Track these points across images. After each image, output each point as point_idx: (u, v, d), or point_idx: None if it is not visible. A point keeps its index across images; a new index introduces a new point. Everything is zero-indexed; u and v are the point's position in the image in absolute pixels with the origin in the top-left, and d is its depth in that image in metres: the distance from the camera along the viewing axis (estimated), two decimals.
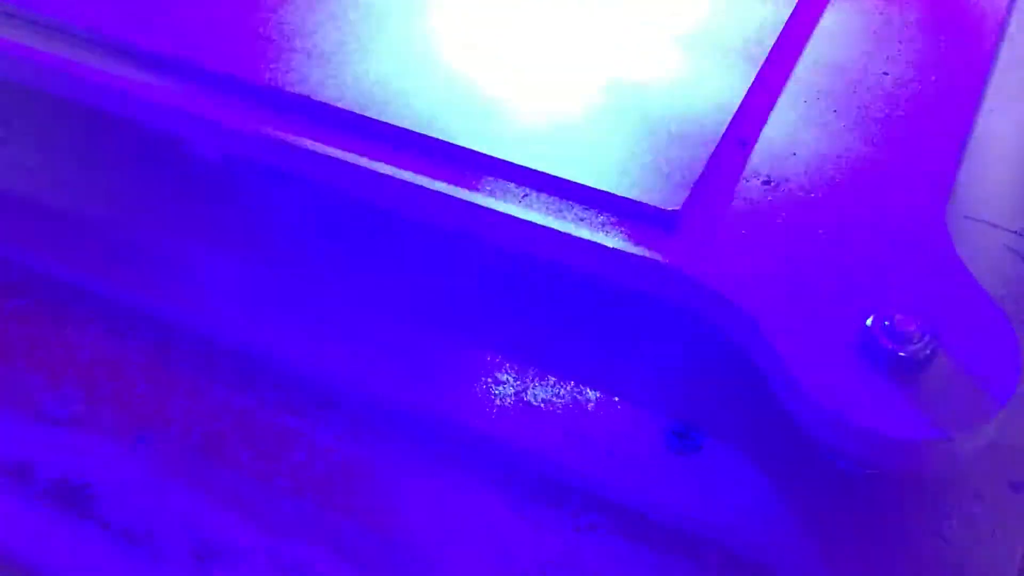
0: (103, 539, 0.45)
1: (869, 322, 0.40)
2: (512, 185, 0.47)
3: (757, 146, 0.49)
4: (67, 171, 0.59)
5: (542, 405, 0.48)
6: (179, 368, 0.51)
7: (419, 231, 0.53)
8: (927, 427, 0.39)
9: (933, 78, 0.52)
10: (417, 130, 0.48)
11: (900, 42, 0.54)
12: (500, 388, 0.48)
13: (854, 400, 0.39)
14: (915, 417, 0.39)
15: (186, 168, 0.57)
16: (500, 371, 0.49)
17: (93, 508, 0.46)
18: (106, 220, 0.56)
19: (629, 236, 0.45)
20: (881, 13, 0.56)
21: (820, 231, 0.45)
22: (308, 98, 0.50)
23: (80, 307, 0.54)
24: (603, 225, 0.45)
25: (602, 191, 0.45)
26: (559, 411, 0.47)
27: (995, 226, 0.52)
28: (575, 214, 0.45)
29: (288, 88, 0.50)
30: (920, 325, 0.40)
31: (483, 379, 0.49)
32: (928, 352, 0.39)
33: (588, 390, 0.48)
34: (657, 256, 0.44)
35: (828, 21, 0.56)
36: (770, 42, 0.52)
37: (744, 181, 0.47)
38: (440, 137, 0.48)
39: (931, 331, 0.40)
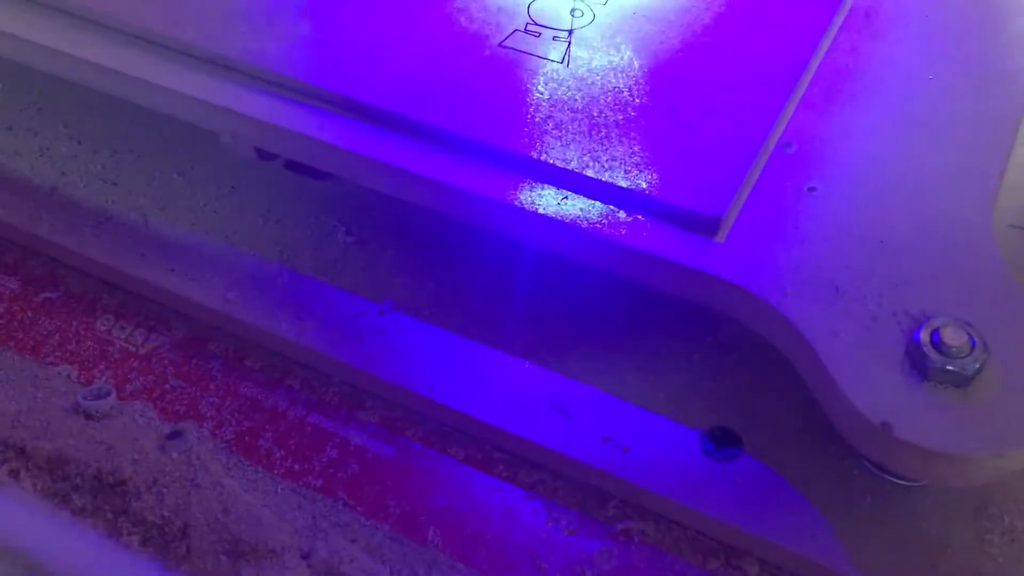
0: (136, 536, 0.45)
1: (917, 334, 0.40)
2: (551, 188, 0.46)
3: (802, 151, 0.48)
4: (98, 162, 0.59)
5: (579, 409, 0.47)
6: (211, 364, 0.51)
7: (447, 228, 0.52)
8: (973, 441, 0.38)
9: (977, 84, 0.51)
10: (455, 129, 0.48)
11: (945, 47, 0.54)
12: (535, 391, 0.48)
13: (900, 412, 0.39)
14: (961, 431, 0.39)
15: (218, 163, 0.57)
16: (535, 374, 0.49)
17: (126, 504, 0.45)
18: (135, 213, 0.56)
19: (670, 241, 0.44)
20: (925, 16, 0.55)
21: (865, 240, 0.44)
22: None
23: (111, 301, 0.53)
24: (644, 230, 0.45)
25: (644, 194, 0.45)
26: (596, 416, 0.47)
27: None
28: (616, 218, 0.45)
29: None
30: (968, 338, 0.39)
31: (518, 382, 0.48)
32: (977, 366, 0.39)
33: (625, 395, 0.48)
34: (699, 262, 0.43)
35: (872, 25, 0.55)
36: (813, 46, 0.52)
37: (788, 187, 0.46)
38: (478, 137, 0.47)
39: (980, 344, 0.39)
